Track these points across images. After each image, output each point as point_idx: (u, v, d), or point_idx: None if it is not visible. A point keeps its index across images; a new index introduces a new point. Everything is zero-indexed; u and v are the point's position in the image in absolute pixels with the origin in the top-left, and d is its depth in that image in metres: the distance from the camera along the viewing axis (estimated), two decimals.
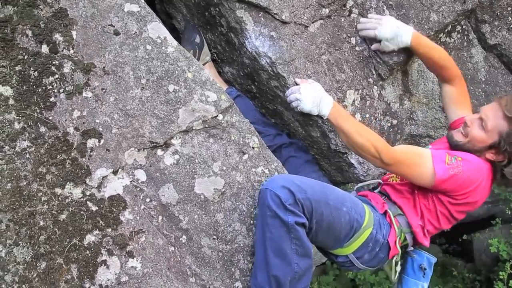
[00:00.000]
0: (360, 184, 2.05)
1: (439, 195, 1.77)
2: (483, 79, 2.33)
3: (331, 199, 1.62)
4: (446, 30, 2.19)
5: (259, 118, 2.10)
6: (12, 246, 1.36)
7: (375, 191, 2.00)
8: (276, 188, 1.53)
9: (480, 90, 2.31)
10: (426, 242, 1.86)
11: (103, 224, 1.48)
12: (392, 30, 1.89)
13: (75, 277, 1.41)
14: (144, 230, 1.53)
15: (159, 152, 1.58)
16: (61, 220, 1.43)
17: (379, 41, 1.94)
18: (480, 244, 4.23)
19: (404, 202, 1.86)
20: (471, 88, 2.29)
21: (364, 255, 1.77)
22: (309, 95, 1.74)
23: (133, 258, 1.50)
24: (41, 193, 1.42)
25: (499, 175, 1.78)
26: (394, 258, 1.85)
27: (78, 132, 1.49)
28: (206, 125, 1.64)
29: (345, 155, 2.04)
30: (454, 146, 1.82)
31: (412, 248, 1.92)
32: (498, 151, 1.72)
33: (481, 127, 1.73)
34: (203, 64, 2.03)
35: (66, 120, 1.48)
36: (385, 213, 1.84)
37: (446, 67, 1.98)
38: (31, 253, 1.38)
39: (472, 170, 1.70)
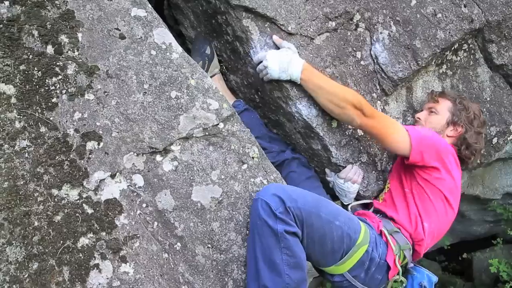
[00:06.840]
0: (354, 203, 2.04)
1: (420, 173, 1.81)
2: (488, 99, 2.32)
3: (323, 211, 1.61)
4: (453, 48, 2.18)
5: (266, 133, 2.08)
6: (5, 245, 1.36)
7: (369, 210, 1.99)
8: (267, 197, 1.52)
9: (484, 109, 2.30)
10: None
11: (98, 228, 1.47)
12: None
13: (67, 280, 1.40)
14: (138, 235, 1.52)
15: (158, 158, 1.57)
16: (56, 221, 1.43)
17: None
18: (480, 263, 4.19)
19: (397, 213, 1.86)
20: None
21: (360, 274, 1.74)
22: (275, 60, 1.66)
23: (126, 263, 1.49)
24: (37, 193, 1.42)
25: (464, 148, 1.96)
26: (394, 278, 1.81)
27: (78, 134, 1.49)
28: (207, 133, 1.63)
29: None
30: None
31: (412, 265, 1.89)
32: (454, 124, 1.98)
33: (432, 113, 2.01)
34: (211, 76, 2.00)
35: (66, 121, 1.48)
36: (381, 232, 1.82)
37: None
38: (23, 253, 1.38)
39: (433, 132, 1.89)
